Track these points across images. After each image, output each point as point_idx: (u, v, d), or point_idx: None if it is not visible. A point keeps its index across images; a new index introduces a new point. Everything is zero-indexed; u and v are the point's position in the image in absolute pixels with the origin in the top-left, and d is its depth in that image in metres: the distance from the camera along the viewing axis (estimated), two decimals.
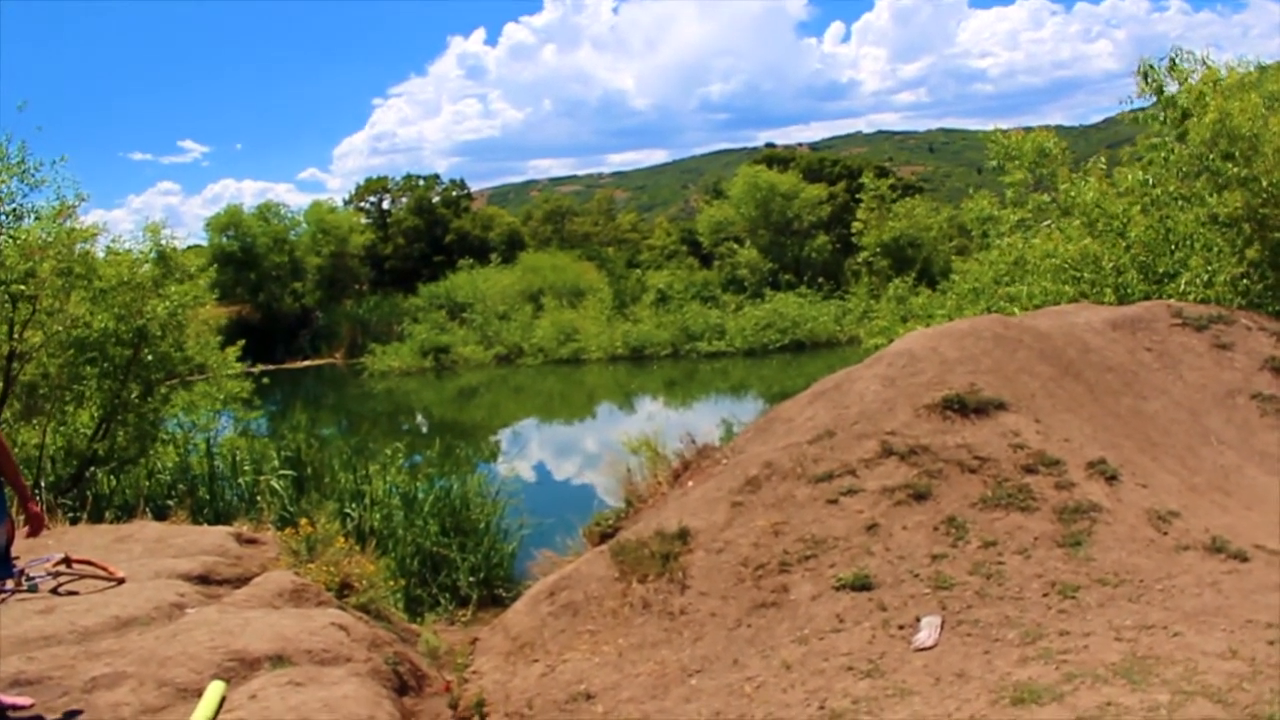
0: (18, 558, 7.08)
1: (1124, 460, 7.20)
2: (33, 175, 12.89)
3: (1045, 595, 5.70)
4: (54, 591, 6.67)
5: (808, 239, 49.67)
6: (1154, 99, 13.83)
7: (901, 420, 7.44)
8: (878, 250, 44.23)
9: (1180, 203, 13.04)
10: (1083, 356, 8.81)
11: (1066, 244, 13.81)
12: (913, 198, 48.75)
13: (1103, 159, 15.87)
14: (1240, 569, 5.82)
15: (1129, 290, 12.90)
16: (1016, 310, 12.84)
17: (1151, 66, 13.49)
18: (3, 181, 12.62)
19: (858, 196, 47.92)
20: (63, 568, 6.92)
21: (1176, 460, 7.76)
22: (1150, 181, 13.47)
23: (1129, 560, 5.96)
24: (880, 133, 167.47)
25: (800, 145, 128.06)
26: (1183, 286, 12.23)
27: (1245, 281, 12.05)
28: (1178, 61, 13.45)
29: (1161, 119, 13.63)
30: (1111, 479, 6.79)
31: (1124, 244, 13.32)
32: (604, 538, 8.09)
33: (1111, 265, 13.20)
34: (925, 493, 6.72)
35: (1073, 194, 14.72)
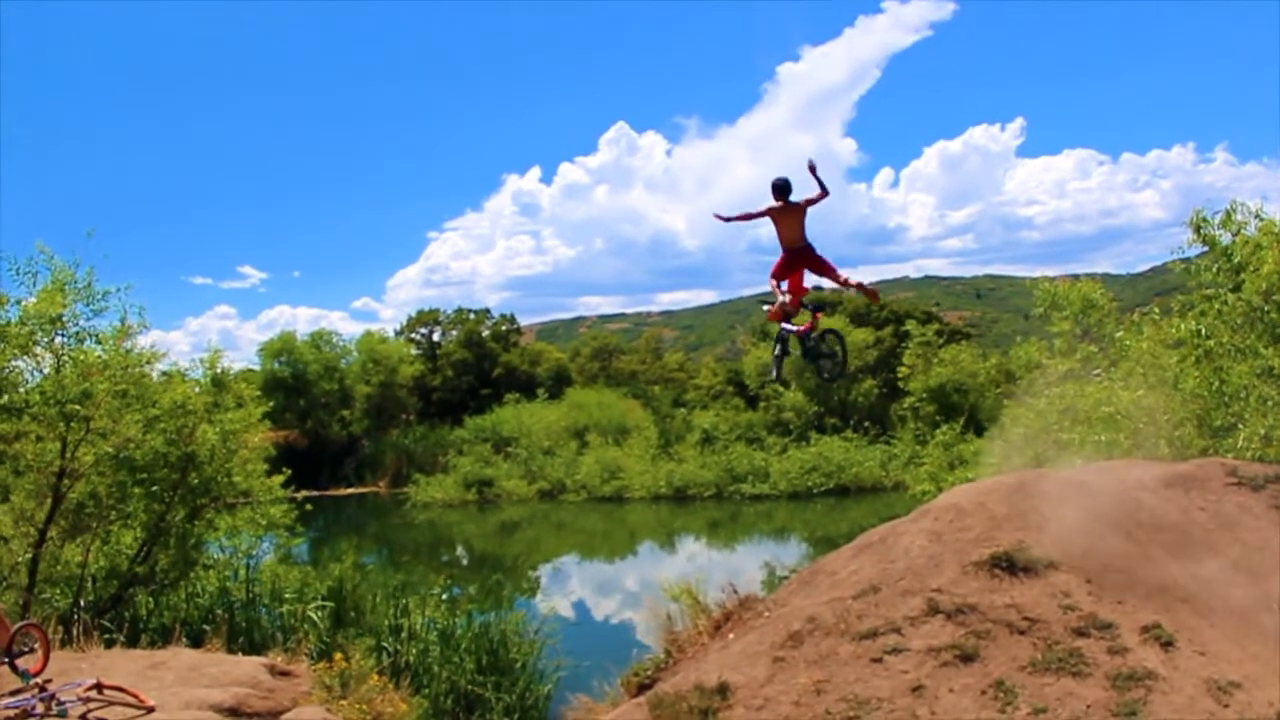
0: (50, 680, 7.08)
1: (1179, 625, 6.96)
2: (99, 301, 13.34)
3: None
4: (83, 718, 6.62)
5: (854, 383, 49.56)
6: (1206, 249, 13.80)
7: (948, 577, 7.29)
8: (924, 396, 43.97)
9: (1235, 354, 12.89)
10: (1135, 515, 8.61)
11: (1120, 393, 13.65)
12: (959, 343, 48.69)
13: (1156, 309, 15.81)
14: None
15: (1185, 443, 12.66)
16: (1066, 460, 12.63)
17: (1205, 219, 13.50)
18: (68, 305, 13.05)
19: (904, 342, 47.93)
20: (94, 693, 6.88)
21: (1235, 626, 7.48)
22: (1204, 332, 13.34)
23: None
24: (928, 278, 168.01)
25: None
26: (1240, 442, 11.99)
27: None
28: (1233, 214, 13.45)
29: (1215, 270, 13.57)
30: (1167, 645, 6.57)
31: (1179, 397, 13.14)
32: (642, 688, 7.94)
33: (1166, 418, 13.00)
34: (973, 654, 6.53)
35: (1128, 343, 14.65)
